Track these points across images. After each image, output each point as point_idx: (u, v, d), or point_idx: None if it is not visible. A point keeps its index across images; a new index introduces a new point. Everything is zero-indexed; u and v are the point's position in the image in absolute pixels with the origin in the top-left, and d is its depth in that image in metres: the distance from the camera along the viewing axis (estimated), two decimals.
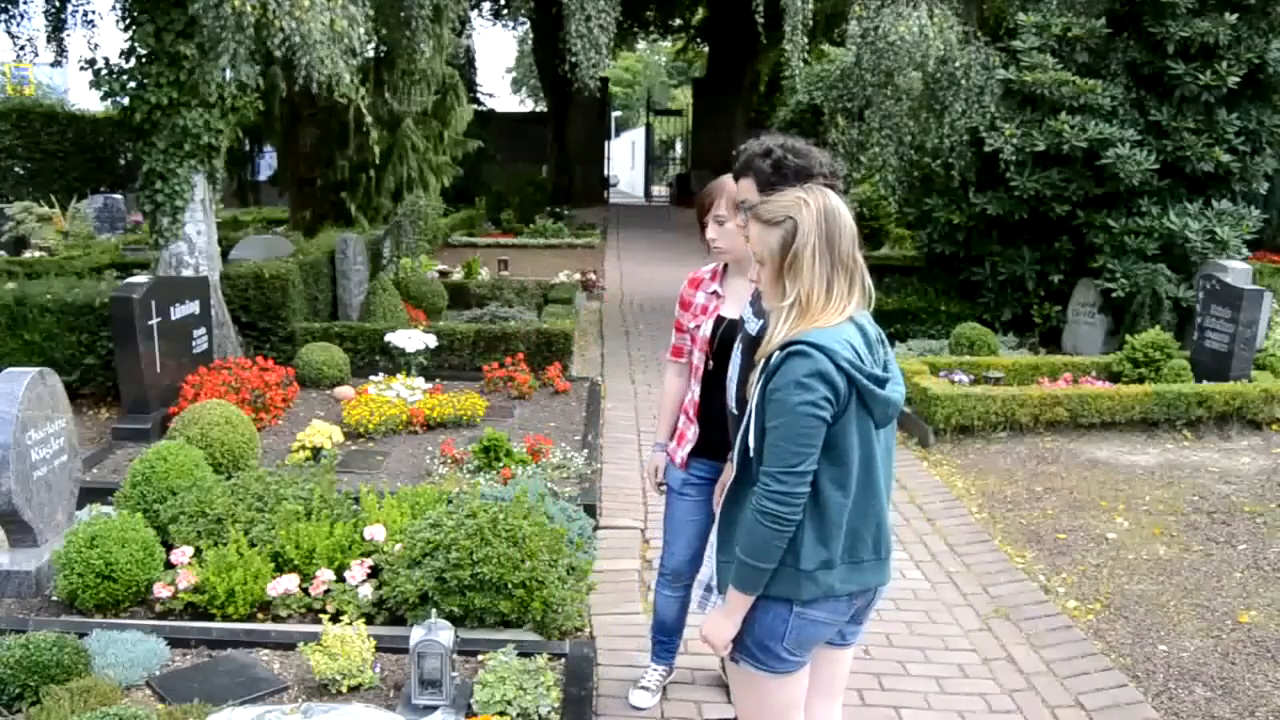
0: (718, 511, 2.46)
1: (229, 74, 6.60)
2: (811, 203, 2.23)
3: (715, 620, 2.32)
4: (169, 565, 4.07)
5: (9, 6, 8.96)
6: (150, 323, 6.24)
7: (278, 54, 5.95)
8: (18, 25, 9.06)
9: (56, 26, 8.86)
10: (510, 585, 3.70)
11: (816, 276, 2.19)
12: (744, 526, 2.23)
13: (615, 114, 36.97)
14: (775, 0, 8.76)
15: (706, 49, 27.55)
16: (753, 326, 2.60)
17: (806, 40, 8.82)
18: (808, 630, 2.29)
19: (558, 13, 8.78)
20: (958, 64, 8.91)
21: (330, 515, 4.30)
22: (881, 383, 2.19)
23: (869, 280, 2.29)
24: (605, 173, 26.54)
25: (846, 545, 2.24)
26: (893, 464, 2.36)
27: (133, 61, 6.93)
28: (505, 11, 25.77)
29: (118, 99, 7.04)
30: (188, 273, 7.17)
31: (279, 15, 5.75)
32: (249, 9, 5.67)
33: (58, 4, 8.66)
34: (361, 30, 6.39)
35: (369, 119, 7.00)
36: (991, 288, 9.70)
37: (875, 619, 4.20)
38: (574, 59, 8.21)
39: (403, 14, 8.31)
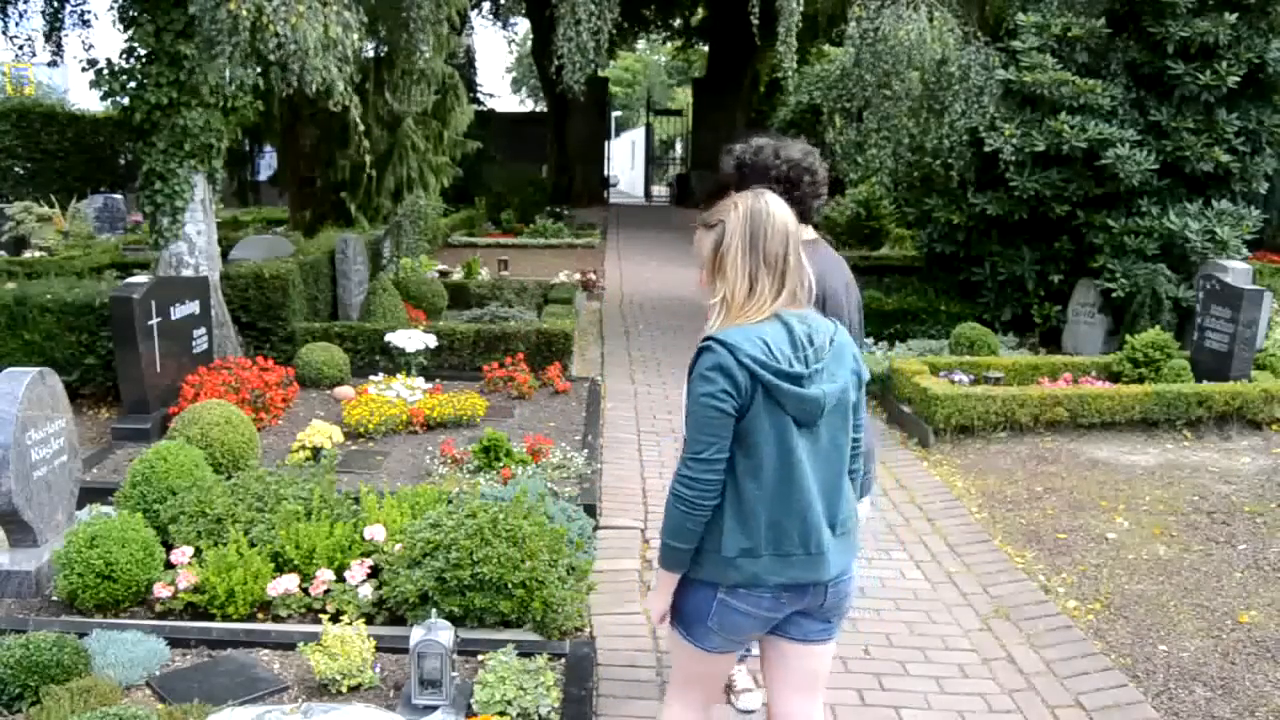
0: None
1: (227, 75, 6.60)
2: (740, 206, 2.33)
3: (651, 596, 2.48)
4: (169, 565, 4.07)
5: (7, 6, 8.95)
6: (150, 323, 6.24)
7: (272, 58, 5.95)
8: (16, 25, 9.06)
9: (54, 26, 8.86)
10: (510, 585, 3.71)
11: (739, 275, 2.30)
12: (665, 509, 2.33)
13: (615, 114, 36.99)
14: (771, 1, 8.77)
15: (706, 49, 27.56)
16: None
17: (797, 43, 8.81)
18: (730, 617, 2.35)
19: (550, 14, 8.78)
20: (954, 66, 8.91)
21: (330, 515, 4.30)
22: (797, 379, 2.24)
23: (809, 279, 2.37)
24: (605, 173, 26.54)
25: (770, 537, 2.29)
26: (841, 462, 2.37)
27: (133, 61, 6.94)
28: (501, 11, 25.78)
29: (118, 99, 7.04)
30: (188, 273, 7.17)
31: (274, 20, 5.76)
32: (244, 13, 5.67)
33: (55, 4, 8.66)
34: (355, 36, 6.39)
35: (360, 128, 7.00)
36: (991, 288, 9.70)
37: (875, 619, 4.22)
38: (560, 62, 8.22)
39: (402, 14, 8.31)
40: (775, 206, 2.34)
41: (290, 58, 5.86)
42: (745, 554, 2.29)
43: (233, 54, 5.83)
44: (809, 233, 2.96)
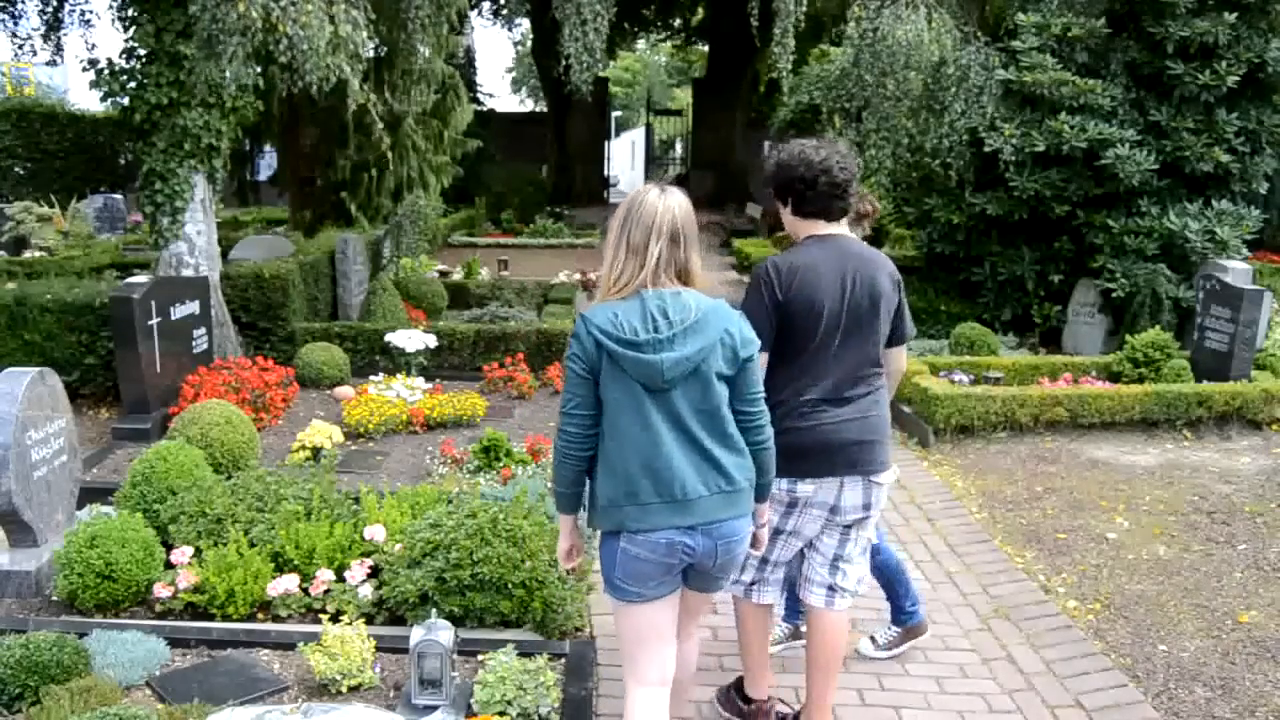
0: None
1: (228, 75, 6.61)
2: (627, 198, 2.67)
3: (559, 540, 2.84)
4: (169, 565, 4.07)
5: (8, 6, 8.96)
6: (150, 323, 6.24)
7: (283, 59, 5.96)
8: (16, 25, 9.07)
9: (53, 26, 8.86)
10: (510, 585, 3.71)
11: (610, 259, 2.63)
12: None
13: (615, 114, 36.94)
14: (769, 2, 8.79)
15: (706, 49, 27.55)
16: None
17: (798, 44, 8.84)
18: (631, 565, 2.62)
19: (553, 16, 8.80)
20: (953, 68, 8.91)
21: (330, 515, 4.30)
22: (635, 346, 2.52)
23: (685, 264, 2.62)
24: (605, 173, 26.52)
25: (627, 489, 2.57)
26: (708, 426, 2.60)
27: (133, 61, 6.93)
28: (504, 12, 25.77)
29: (118, 99, 7.04)
30: (188, 273, 7.17)
31: (282, 20, 5.77)
32: (253, 14, 5.68)
33: (55, 3, 8.66)
34: (364, 34, 6.41)
35: (380, 125, 7.04)
36: (991, 288, 9.70)
37: (876, 618, 4.22)
38: (568, 63, 8.25)
39: (401, 15, 8.32)
40: (652, 201, 2.62)
41: (300, 57, 5.88)
42: (611, 503, 2.60)
43: (235, 54, 5.84)
44: (831, 229, 3.11)
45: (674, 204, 2.63)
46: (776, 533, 3.13)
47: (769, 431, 2.71)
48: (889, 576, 3.84)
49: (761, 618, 3.30)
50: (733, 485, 2.62)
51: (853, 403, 3.05)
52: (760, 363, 2.78)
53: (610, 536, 2.64)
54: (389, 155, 8.13)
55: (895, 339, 3.19)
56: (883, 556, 3.78)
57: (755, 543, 2.90)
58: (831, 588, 3.21)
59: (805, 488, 3.04)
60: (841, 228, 3.13)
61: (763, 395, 2.70)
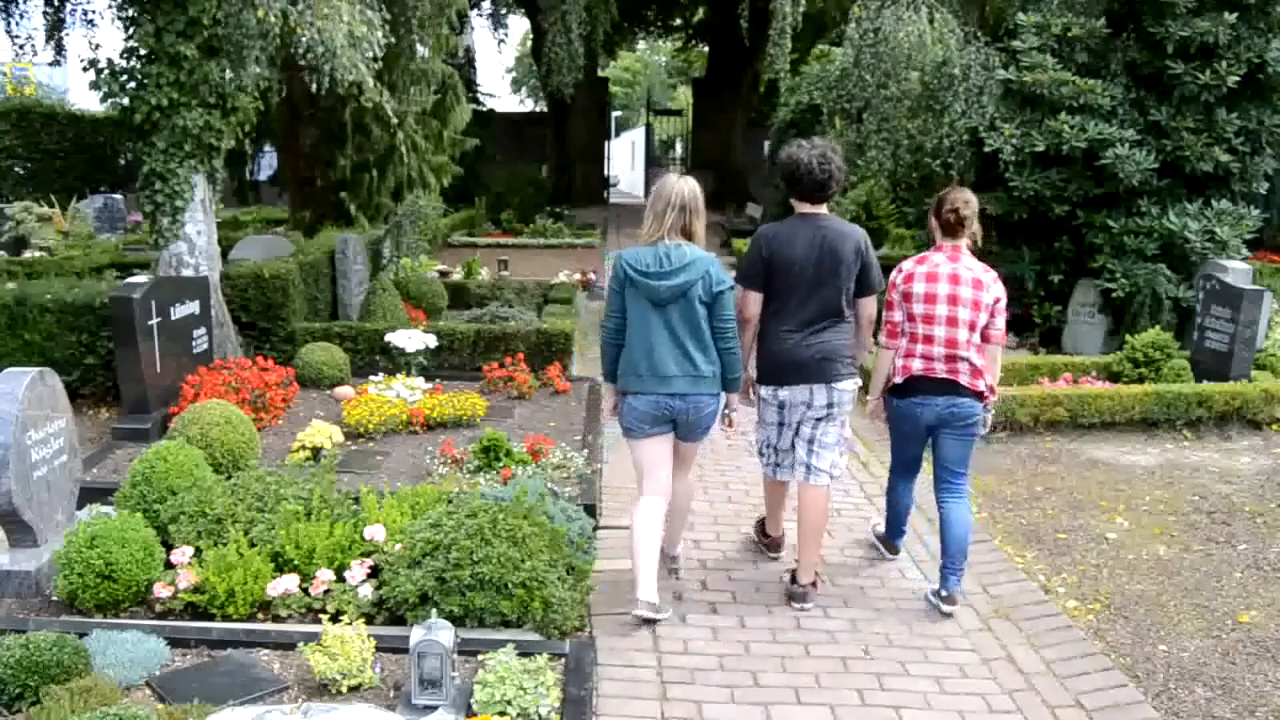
0: None
1: (246, 77, 6.63)
2: (658, 181, 4.08)
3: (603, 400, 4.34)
4: (169, 565, 4.07)
5: (9, 6, 8.96)
6: (150, 323, 6.23)
7: (302, 61, 6.03)
8: (17, 25, 9.07)
9: (55, 26, 8.86)
10: (510, 585, 3.71)
11: (644, 220, 4.07)
12: None
13: (615, 114, 36.94)
14: (764, 5, 8.80)
15: (706, 49, 27.55)
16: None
17: (796, 44, 8.87)
18: (633, 413, 4.09)
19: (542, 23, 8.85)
20: (956, 68, 8.91)
21: (330, 515, 4.30)
22: (645, 274, 3.94)
23: (686, 226, 4.00)
24: (605, 173, 26.52)
25: (633, 366, 4.02)
26: (688, 332, 3.96)
27: (133, 62, 6.93)
28: (497, 13, 25.77)
29: (118, 99, 7.03)
30: (188, 273, 7.17)
31: (300, 23, 5.81)
32: (272, 19, 5.72)
33: (56, 3, 8.66)
34: (379, 34, 6.46)
35: (394, 118, 7.11)
36: None
37: (876, 618, 4.23)
38: (548, 67, 8.30)
39: (401, 14, 8.32)
40: (670, 181, 4.03)
41: (320, 59, 5.95)
42: (624, 373, 4.08)
43: (260, 58, 5.89)
44: (814, 209, 4.24)
45: (684, 185, 4.02)
46: (778, 425, 4.35)
47: (735, 343, 4.04)
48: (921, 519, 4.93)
49: (779, 491, 4.65)
50: (698, 372, 3.99)
51: (820, 334, 4.18)
52: (754, 300, 4.18)
53: (624, 398, 4.09)
54: (401, 148, 8.17)
55: (862, 290, 4.26)
56: (905, 503, 4.86)
57: (729, 422, 4.25)
58: (808, 467, 4.31)
59: (784, 392, 4.25)
60: (822, 208, 4.24)
61: (733, 317, 4.03)
